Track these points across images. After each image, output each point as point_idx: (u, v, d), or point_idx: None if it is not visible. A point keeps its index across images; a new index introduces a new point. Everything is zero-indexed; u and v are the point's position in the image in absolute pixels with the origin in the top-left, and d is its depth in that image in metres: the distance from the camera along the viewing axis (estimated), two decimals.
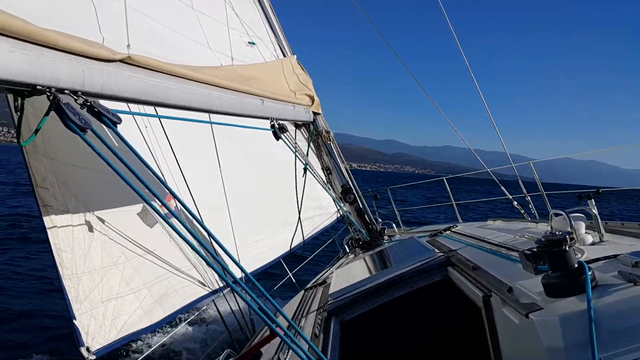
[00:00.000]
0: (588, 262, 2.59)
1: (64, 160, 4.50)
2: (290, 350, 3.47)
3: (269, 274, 11.16)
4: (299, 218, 6.70)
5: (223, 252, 2.64)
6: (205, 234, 2.58)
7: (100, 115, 2.31)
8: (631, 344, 2.04)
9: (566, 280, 2.34)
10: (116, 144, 2.45)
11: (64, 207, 4.36)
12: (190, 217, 2.53)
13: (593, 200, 3.60)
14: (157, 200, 2.41)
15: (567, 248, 2.35)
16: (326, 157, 7.12)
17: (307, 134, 6.90)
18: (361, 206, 7.09)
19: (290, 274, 9.58)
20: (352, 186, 7.09)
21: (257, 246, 8.09)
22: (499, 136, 7.16)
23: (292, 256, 10.90)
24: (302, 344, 2.72)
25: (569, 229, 3.27)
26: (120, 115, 2.44)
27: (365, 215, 7.09)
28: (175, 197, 2.53)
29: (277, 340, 3.64)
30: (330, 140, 7.02)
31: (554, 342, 2.18)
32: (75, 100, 2.24)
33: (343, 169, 7.16)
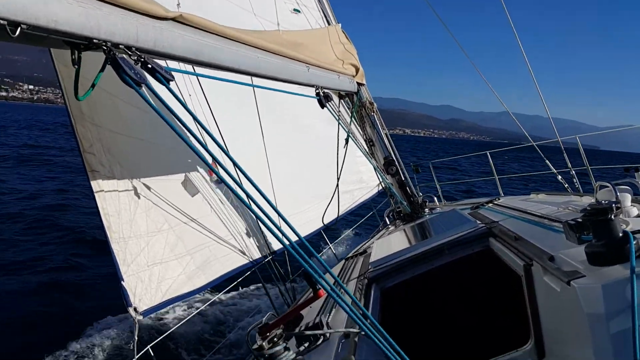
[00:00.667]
0: (633, 232, 2.56)
1: (109, 128, 4.55)
2: (333, 312, 3.49)
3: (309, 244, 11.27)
4: (337, 186, 6.61)
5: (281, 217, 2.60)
6: (260, 197, 2.54)
7: (154, 71, 2.28)
8: None
9: (610, 249, 2.34)
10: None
11: (110, 173, 4.41)
12: (236, 184, 2.48)
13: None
14: (206, 164, 2.37)
15: (612, 217, 2.35)
16: (369, 129, 7.03)
17: (351, 105, 6.80)
18: (403, 178, 7.00)
19: (331, 245, 9.62)
20: (394, 158, 6.99)
21: (297, 218, 8.10)
22: (544, 104, 6.89)
23: (332, 229, 10.97)
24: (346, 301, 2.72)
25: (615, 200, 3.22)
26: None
27: (407, 188, 6.99)
28: (233, 162, 2.51)
29: (316, 306, 3.67)
30: (373, 112, 6.93)
31: (595, 309, 2.18)
32: (130, 55, 2.20)
33: (386, 141, 7.07)
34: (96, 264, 11.91)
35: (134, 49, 2.22)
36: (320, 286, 2.50)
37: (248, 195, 2.44)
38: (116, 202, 4.37)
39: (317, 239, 9.74)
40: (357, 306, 2.50)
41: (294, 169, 8.45)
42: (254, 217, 2.70)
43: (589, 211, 2.41)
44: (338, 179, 6.47)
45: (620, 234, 2.35)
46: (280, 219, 2.52)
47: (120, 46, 2.13)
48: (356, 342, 2.69)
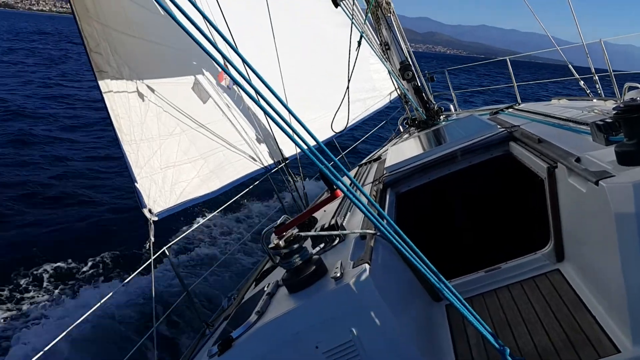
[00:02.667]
0: None
1: (115, 28, 4.39)
2: (348, 215, 3.48)
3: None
4: (347, 88, 6.41)
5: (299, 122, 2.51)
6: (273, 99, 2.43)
7: None
8: None
9: None
10: None
11: (118, 73, 4.31)
12: (248, 84, 2.36)
13: None
14: (216, 63, 2.24)
15: None
16: (385, 31, 6.72)
17: (366, 5, 6.47)
18: (419, 84, 6.77)
19: (343, 154, 9.56)
20: (411, 63, 6.74)
21: (309, 124, 7.99)
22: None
23: (345, 136, 10.87)
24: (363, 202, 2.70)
25: None
26: None
27: (423, 94, 6.79)
28: (244, 60, 2.37)
29: (331, 209, 3.66)
30: (390, 13, 6.59)
31: (624, 208, 2.11)
32: None
33: (402, 45, 6.77)
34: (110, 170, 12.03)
35: None
36: (336, 186, 2.45)
37: (261, 96, 2.33)
38: (126, 104, 4.30)
39: (329, 147, 9.70)
40: (373, 207, 2.46)
41: (307, 74, 8.24)
42: (267, 122, 2.61)
43: (621, 108, 2.27)
44: (349, 80, 6.25)
45: None
46: (296, 121, 2.44)
47: None
48: (374, 243, 2.68)
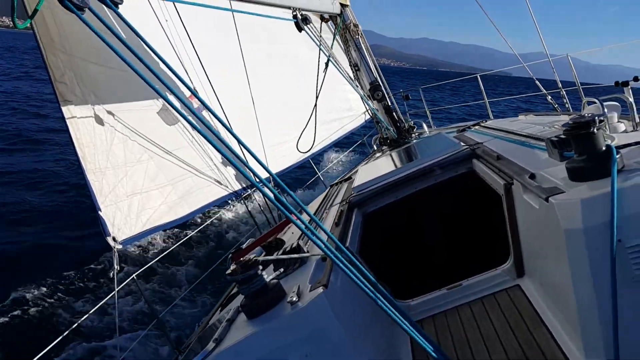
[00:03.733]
0: (617, 147, 2.46)
1: (81, 56, 4.40)
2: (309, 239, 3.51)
3: (299, 175, 11.28)
4: (314, 108, 6.46)
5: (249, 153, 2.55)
6: (229, 134, 2.48)
7: None
8: None
9: (591, 164, 2.26)
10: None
11: (83, 102, 4.31)
12: (215, 117, 2.41)
13: (630, 88, 3.40)
14: (174, 95, 2.27)
15: (594, 130, 2.23)
16: (354, 53, 6.83)
17: (334, 29, 6.58)
18: (389, 103, 6.86)
19: (319, 173, 9.62)
20: (380, 83, 6.84)
21: (284, 147, 8.04)
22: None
23: (323, 157, 10.90)
24: (322, 235, 2.72)
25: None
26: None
27: (394, 113, 6.88)
28: (194, 94, 2.41)
29: (298, 230, 3.67)
30: (358, 35, 6.70)
31: (573, 225, 2.13)
32: None
33: (371, 65, 6.88)
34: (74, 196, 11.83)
35: None
36: (284, 214, 2.48)
37: (212, 131, 2.36)
38: (91, 132, 4.30)
39: (308, 167, 9.73)
40: (332, 236, 2.49)
41: (281, 97, 8.30)
42: (238, 146, 2.65)
43: (570, 125, 2.31)
44: (315, 104, 6.33)
45: (603, 148, 2.26)
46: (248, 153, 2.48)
47: None
48: (332, 266, 2.70)
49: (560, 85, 6.56)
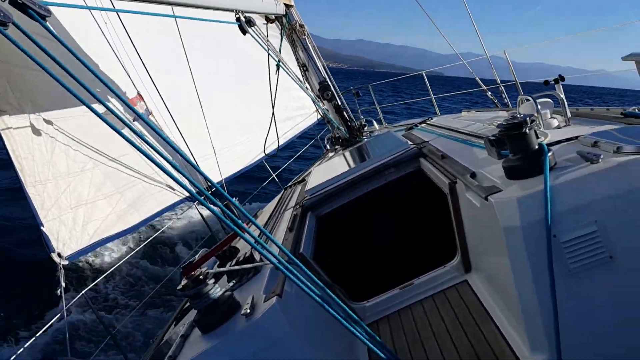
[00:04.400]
0: (549, 144, 2.64)
1: (15, 63, 4.20)
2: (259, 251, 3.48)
3: (253, 176, 11.15)
4: (272, 115, 6.46)
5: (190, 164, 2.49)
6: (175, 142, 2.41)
7: (24, 7, 2.07)
8: (584, 219, 2.11)
9: (525, 162, 2.36)
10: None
11: (20, 111, 4.13)
12: (150, 127, 2.33)
13: (560, 85, 3.55)
14: (118, 99, 2.20)
15: (526, 130, 2.34)
16: (301, 53, 6.80)
17: (280, 29, 6.53)
18: (339, 103, 6.87)
19: (274, 175, 9.56)
20: (329, 83, 6.83)
21: (236, 149, 7.95)
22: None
23: (277, 157, 10.84)
24: (273, 246, 2.70)
25: (536, 114, 3.32)
26: (54, 7, 2.19)
27: (344, 112, 6.89)
28: (126, 103, 2.31)
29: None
30: (305, 35, 6.67)
31: (511, 222, 2.22)
32: None
33: (320, 65, 6.86)
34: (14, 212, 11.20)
35: None
36: (226, 227, 2.44)
37: (146, 142, 2.29)
38: (29, 143, 4.11)
39: (260, 169, 9.64)
40: (282, 248, 2.48)
41: (230, 100, 8.19)
42: (187, 149, 2.57)
43: (504, 126, 2.40)
44: (273, 106, 6.29)
45: (536, 147, 2.36)
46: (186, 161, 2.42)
47: None
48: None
49: (499, 81, 6.75)
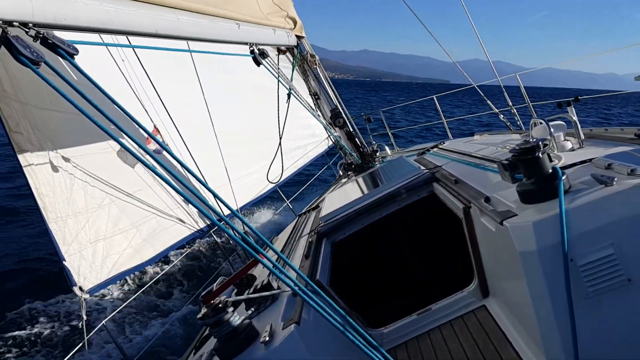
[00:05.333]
0: (563, 167, 2.63)
1: (35, 104, 4.33)
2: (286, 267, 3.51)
3: (268, 203, 11.20)
4: (280, 144, 6.54)
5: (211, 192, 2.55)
6: (188, 172, 2.48)
7: (54, 47, 2.15)
8: (600, 242, 2.11)
9: (540, 186, 2.37)
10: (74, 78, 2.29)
11: (40, 151, 4.24)
12: (172, 156, 2.41)
13: (573, 107, 3.57)
14: (129, 138, 2.28)
15: (540, 155, 2.36)
16: (313, 82, 6.90)
17: (292, 59, 6.65)
18: (351, 129, 6.94)
19: (287, 202, 9.61)
20: (341, 110, 6.92)
21: (251, 178, 8.03)
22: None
23: (290, 184, 10.90)
24: (290, 271, 2.73)
25: (549, 137, 3.30)
26: (80, 45, 2.29)
27: (356, 139, 6.96)
28: (150, 135, 2.39)
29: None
30: (316, 65, 6.77)
31: (527, 247, 2.22)
32: (27, 32, 2.06)
33: (331, 93, 6.95)
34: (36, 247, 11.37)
35: (30, 24, 2.08)
36: (248, 254, 2.48)
37: (169, 171, 2.36)
38: (50, 181, 4.22)
39: (276, 196, 9.71)
40: (300, 272, 2.51)
41: (245, 130, 8.31)
42: (190, 191, 2.64)
43: (517, 151, 2.42)
44: (280, 135, 6.38)
45: (550, 171, 2.37)
46: (208, 190, 2.47)
47: (15, 23, 2.00)
48: (303, 301, 2.70)
49: (511, 104, 6.77)
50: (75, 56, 2.23)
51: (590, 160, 2.76)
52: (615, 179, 2.23)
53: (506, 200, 2.69)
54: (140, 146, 2.22)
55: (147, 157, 2.35)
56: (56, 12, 2.24)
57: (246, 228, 2.45)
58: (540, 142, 2.37)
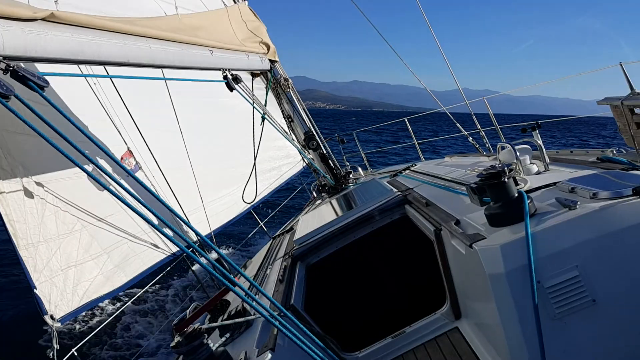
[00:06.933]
0: (529, 191, 2.72)
1: (6, 128, 4.29)
2: (257, 295, 3.51)
3: (241, 225, 11.13)
4: (254, 166, 6.57)
5: (179, 218, 2.57)
6: (165, 196, 2.50)
7: (24, 79, 2.18)
8: (566, 264, 2.18)
9: (507, 210, 2.44)
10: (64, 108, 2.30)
11: (12, 175, 4.19)
12: (138, 182, 2.43)
13: (537, 131, 3.69)
14: (96, 165, 2.30)
15: (506, 179, 2.44)
16: (286, 105, 6.97)
17: (265, 83, 6.71)
18: (324, 152, 7.00)
19: (262, 224, 9.60)
20: (314, 132, 6.98)
21: (224, 201, 8.02)
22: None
23: (264, 206, 10.88)
24: (263, 298, 2.74)
25: (515, 161, 3.40)
26: (51, 77, 2.31)
27: (330, 161, 7.02)
28: (115, 161, 2.41)
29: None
30: (289, 88, 6.85)
31: (496, 269, 2.28)
32: None
33: (304, 116, 7.02)
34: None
35: (0, 57, 2.10)
36: (219, 282, 2.49)
37: (136, 198, 2.38)
38: (21, 207, 4.16)
39: (248, 219, 9.67)
40: (273, 301, 2.53)
41: (217, 153, 8.31)
42: (167, 210, 2.65)
43: (484, 175, 2.51)
44: (255, 158, 6.42)
45: (516, 194, 2.46)
46: (178, 218, 2.50)
47: None
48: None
49: (479, 127, 6.95)
50: (45, 88, 2.26)
51: (554, 183, 2.85)
52: (579, 202, 2.31)
53: (475, 223, 2.76)
54: (103, 172, 2.25)
55: (115, 183, 2.35)
56: (26, 45, 2.27)
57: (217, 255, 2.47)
58: (506, 167, 2.46)
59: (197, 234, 2.59)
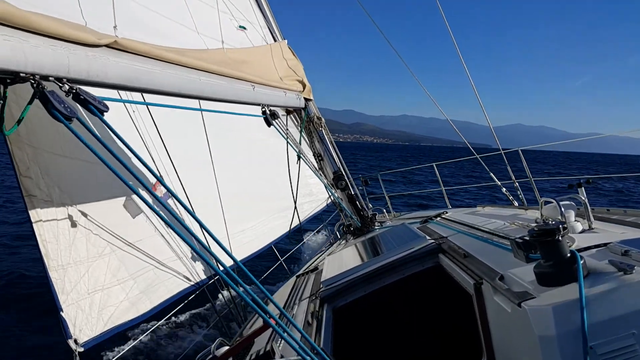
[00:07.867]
0: (579, 250, 2.62)
1: (47, 149, 4.36)
2: (283, 339, 3.42)
3: (259, 260, 11.07)
4: (295, 207, 6.61)
5: (213, 241, 2.55)
6: (196, 223, 2.50)
7: (86, 103, 2.22)
8: (621, 332, 2.09)
9: (559, 270, 2.35)
10: (100, 131, 2.34)
11: (48, 196, 4.23)
12: (180, 206, 2.44)
13: (583, 188, 3.60)
14: (144, 188, 2.31)
15: (560, 238, 2.36)
16: (318, 144, 7.01)
17: (299, 121, 6.78)
18: (352, 192, 6.99)
19: (282, 260, 9.54)
20: (343, 172, 6.99)
21: (248, 234, 8.02)
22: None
23: (282, 241, 10.83)
24: (294, 333, 2.68)
25: (560, 217, 3.30)
26: (107, 102, 2.35)
27: (357, 202, 7.00)
28: (164, 185, 2.43)
29: (268, 330, 3.59)
30: (322, 127, 6.91)
31: (546, 331, 2.18)
32: (60, 87, 2.12)
33: (334, 155, 7.05)
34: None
35: (65, 80, 2.14)
36: (260, 315, 2.45)
37: (179, 220, 2.38)
38: (54, 228, 4.18)
39: (269, 253, 9.62)
40: (305, 339, 2.46)
41: (245, 185, 8.37)
42: (202, 235, 2.65)
43: (536, 231, 2.42)
44: (295, 199, 6.46)
45: (568, 254, 2.38)
46: (214, 241, 2.48)
47: (50, 78, 2.06)
48: None
49: (514, 178, 6.88)
50: (104, 112, 2.29)
51: (605, 244, 2.76)
52: (635, 267, 2.23)
53: (521, 280, 2.65)
54: (152, 193, 2.26)
55: (156, 205, 2.36)
56: (89, 69, 2.32)
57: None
58: (560, 225, 2.38)
59: (234, 260, 2.57)
